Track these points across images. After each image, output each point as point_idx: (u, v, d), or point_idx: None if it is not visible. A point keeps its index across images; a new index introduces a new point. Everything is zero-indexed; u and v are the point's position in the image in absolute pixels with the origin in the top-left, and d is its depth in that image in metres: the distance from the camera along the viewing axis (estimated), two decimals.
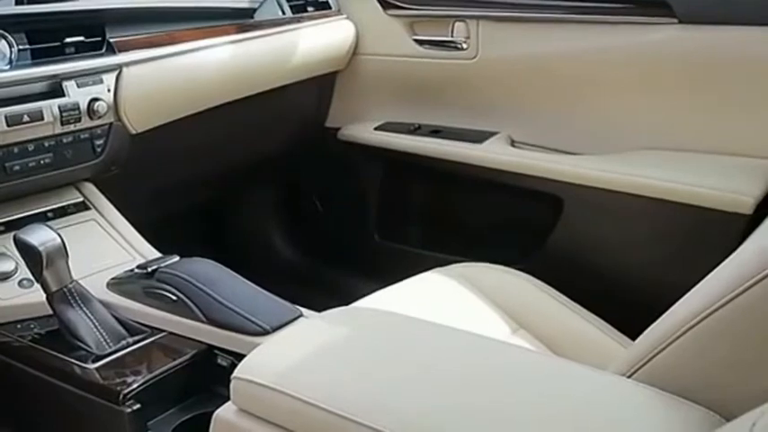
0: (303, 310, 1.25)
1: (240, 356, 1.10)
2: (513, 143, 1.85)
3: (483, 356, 0.98)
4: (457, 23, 1.87)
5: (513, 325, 1.35)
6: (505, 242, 1.85)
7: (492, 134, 1.86)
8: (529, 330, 1.35)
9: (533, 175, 1.74)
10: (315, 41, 1.90)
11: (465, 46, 1.87)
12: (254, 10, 1.80)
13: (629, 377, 0.92)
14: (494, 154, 1.80)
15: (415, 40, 1.94)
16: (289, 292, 1.31)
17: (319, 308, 1.22)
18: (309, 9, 1.94)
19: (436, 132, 1.92)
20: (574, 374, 0.95)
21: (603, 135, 1.74)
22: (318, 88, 2.03)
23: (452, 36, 1.89)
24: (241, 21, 1.77)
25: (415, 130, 1.94)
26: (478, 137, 1.85)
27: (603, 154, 1.71)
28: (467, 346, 1.01)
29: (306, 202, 2.25)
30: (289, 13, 1.88)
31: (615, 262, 1.66)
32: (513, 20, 1.81)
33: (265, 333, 1.17)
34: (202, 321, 1.21)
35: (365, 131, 2.00)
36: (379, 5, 1.95)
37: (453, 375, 0.92)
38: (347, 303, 1.21)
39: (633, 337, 1.07)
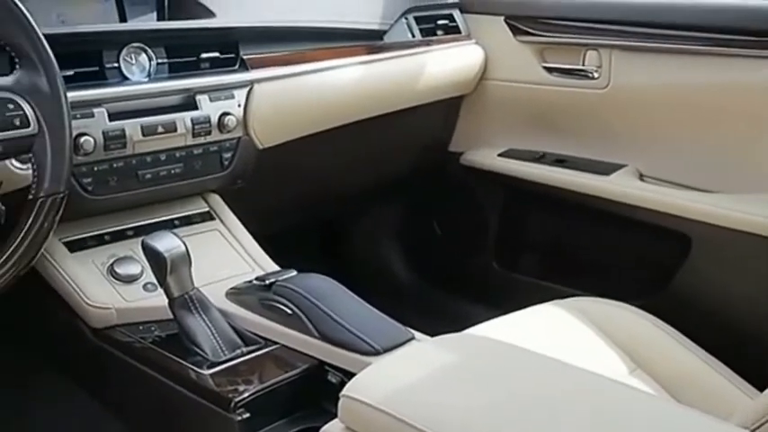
0: (415, 333, 1.24)
1: (350, 374, 1.10)
2: (641, 177, 1.79)
3: (597, 395, 0.95)
4: (589, 52, 1.84)
5: (631, 365, 1.31)
6: (627, 278, 1.80)
7: (619, 166, 1.81)
8: (647, 372, 1.30)
9: (661, 211, 1.68)
10: (443, 65, 1.90)
11: (596, 75, 1.84)
12: (385, 32, 1.81)
13: (753, 431, 0.87)
14: (621, 187, 1.75)
15: (545, 68, 1.91)
16: (401, 313, 1.31)
17: (431, 332, 1.21)
18: (439, 33, 1.94)
19: (561, 162, 1.88)
20: (694, 423, 0.91)
21: (739, 173, 1.66)
22: (444, 112, 2.02)
23: (583, 64, 1.85)
24: (371, 42, 1.79)
25: (540, 158, 1.91)
26: (605, 168, 1.81)
27: (739, 193, 1.64)
28: (581, 384, 0.97)
29: (424, 224, 2.24)
30: (418, 36, 1.89)
31: (745, 308, 1.59)
32: (648, 50, 1.76)
33: (376, 353, 1.17)
34: (315, 337, 1.22)
35: (488, 157, 1.98)
36: (509, 31, 1.94)
37: (564, 413, 0.89)
38: (460, 329, 1.19)
39: (761, 387, 1.01)
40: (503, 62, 1.97)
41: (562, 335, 1.36)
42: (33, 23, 1.08)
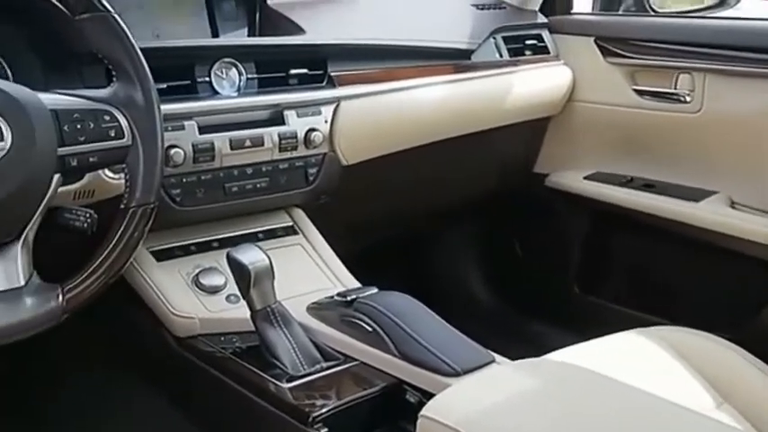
0: (495, 355, 1.23)
1: (429, 395, 1.10)
2: (732, 204, 1.74)
3: (682, 429, 0.92)
4: (681, 75, 1.80)
5: (718, 398, 1.26)
6: (714, 308, 1.75)
7: (710, 193, 1.76)
8: (735, 407, 1.25)
9: (753, 240, 1.63)
10: (530, 85, 1.89)
11: (688, 99, 1.79)
12: (472, 51, 1.80)
13: None
14: (711, 214, 1.71)
15: (635, 90, 1.87)
16: (481, 334, 1.29)
17: (510, 354, 1.19)
18: (527, 53, 1.93)
19: (649, 186, 1.84)
20: None
21: None
22: (530, 133, 2.01)
23: (675, 88, 1.81)
24: (458, 61, 1.78)
25: (628, 182, 1.88)
26: (695, 195, 1.76)
27: None
28: (664, 416, 0.95)
29: (506, 246, 2.22)
30: (506, 56, 1.88)
31: None
32: (743, 74, 1.71)
33: (456, 375, 1.15)
34: (395, 355, 1.21)
35: (574, 180, 1.95)
36: (599, 53, 1.91)
37: None
38: (539, 353, 1.17)
39: None
40: (592, 84, 1.94)
41: (645, 364, 1.32)
42: (132, 39, 1.11)
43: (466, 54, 1.79)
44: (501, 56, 1.88)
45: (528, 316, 2.13)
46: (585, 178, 1.94)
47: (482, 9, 1.92)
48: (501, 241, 2.24)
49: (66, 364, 1.72)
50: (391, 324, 1.23)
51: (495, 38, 1.88)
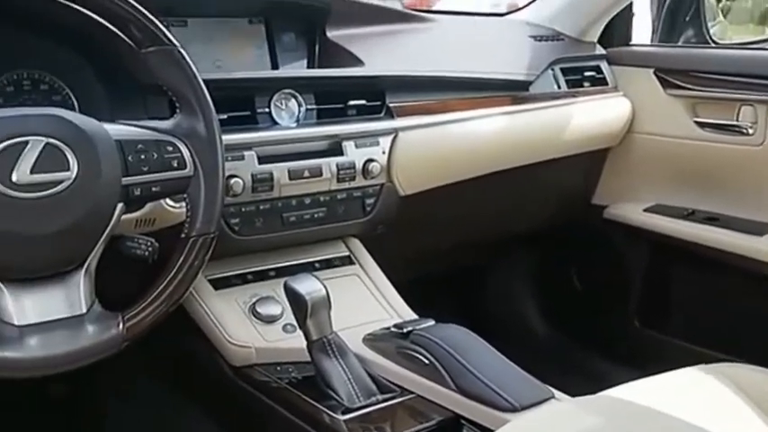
0: (554, 391, 1.21)
1: (486, 430, 1.08)
2: None
3: None
4: (744, 107, 1.77)
5: None
6: None
7: None
8: None
9: None
10: (589, 117, 1.88)
11: (751, 131, 1.76)
12: (530, 82, 1.80)
13: None
14: None
15: (696, 122, 1.85)
16: (538, 368, 1.27)
17: (568, 388, 1.18)
18: (585, 84, 1.91)
19: (711, 220, 1.81)
20: None
21: None
22: (588, 164, 1.99)
23: (738, 120, 1.78)
24: (516, 92, 1.78)
25: (689, 215, 1.85)
26: (759, 228, 1.73)
27: None
28: None
29: (563, 278, 2.20)
30: (564, 88, 1.88)
31: None
32: None
33: (515, 410, 1.13)
34: (452, 389, 1.20)
35: (634, 212, 1.93)
36: (659, 84, 1.89)
37: None
38: (598, 388, 1.15)
39: None
40: (651, 115, 1.92)
41: (707, 402, 1.29)
42: (195, 71, 1.13)
43: (524, 85, 1.79)
44: (559, 87, 1.87)
45: (586, 350, 2.10)
46: (645, 210, 1.91)
47: (540, 40, 1.92)
48: (558, 273, 2.21)
49: (121, 388, 1.74)
50: (448, 357, 1.22)
51: (553, 69, 1.87)
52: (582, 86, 1.91)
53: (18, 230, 0.98)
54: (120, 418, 1.77)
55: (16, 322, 1.00)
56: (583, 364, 2.05)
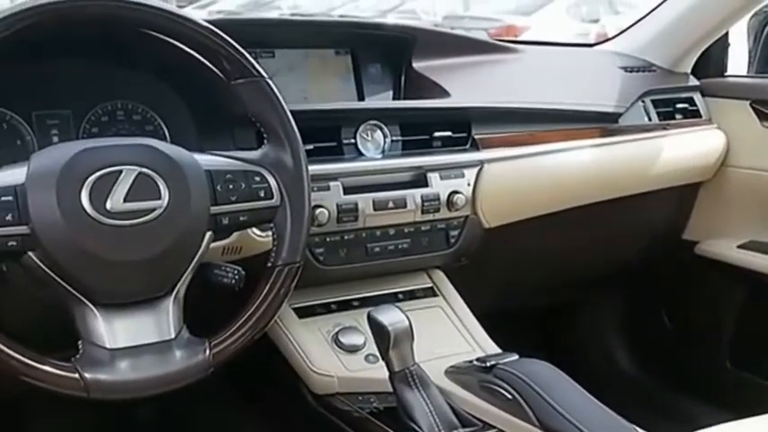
0: (640, 431, 1.17)
1: None
2: None
3: None
4: None
5: None
6: None
7: None
8: None
9: None
10: (681, 150, 1.83)
11: None
12: (620, 114, 1.77)
13: None
14: None
15: None
16: (624, 407, 1.24)
17: (655, 429, 1.15)
18: (678, 116, 1.87)
19: None
20: None
21: None
22: (679, 198, 1.94)
23: None
24: (605, 125, 1.75)
25: None
26: None
27: None
28: None
29: (652, 315, 2.14)
30: (655, 120, 1.83)
31: None
32: None
33: None
34: (535, 425, 1.18)
35: (727, 248, 1.87)
36: (755, 116, 1.83)
37: None
38: (686, 430, 1.11)
39: None
40: (747, 148, 1.86)
41: None
42: (283, 103, 1.15)
43: (613, 117, 1.76)
44: (650, 119, 1.83)
45: (674, 390, 2.04)
46: (739, 247, 1.85)
47: (630, 71, 1.89)
48: (647, 310, 2.16)
49: (203, 412, 1.76)
50: (532, 393, 1.20)
51: (643, 101, 1.83)
52: (674, 119, 1.86)
53: (111, 257, 1.01)
54: None
55: (108, 345, 1.02)
56: (670, 404, 1.99)
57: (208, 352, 1.06)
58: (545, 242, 1.76)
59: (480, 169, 1.53)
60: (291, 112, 1.16)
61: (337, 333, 1.42)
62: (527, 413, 1.19)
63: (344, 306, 1.48)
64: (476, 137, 1.55)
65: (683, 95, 1.90)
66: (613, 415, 1.19)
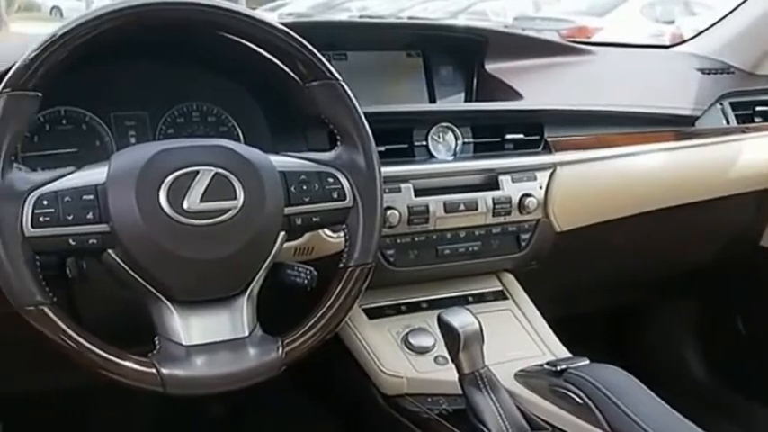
0: None
1: None
2: None
3: None
4: None
5: None
6: None
7: None
8: None
9: None
10: (760, 154, 1.79)
11: None
12: (697, 118, 1.73)
13: None
14: None
15: None
16: (696, 413, 1.21)
17: None
18: (757, 119, 1.83)
19: None
20: None
21: None
22: (757, 203, 1.89)
23: None
24: (680, 128, 1.72)
25: None
26: None
27: None
28: None
29: (725, 321, 2.10)
30: (734, 123, 1.80)
31: None
32: None
33: None
34: (606, 431, 1.17)
35: None
36: None
37: None
38: None
39: None
40: None
41: None
42: (357, 105, 1.16)
43: (689, 120, 1.73)
44: (728, 122, 1.80)
45: (748, 397, 1.99)
46: None
47: (707, 73, 1.85)
48: (721, 317, 2.11)
49: (274, 410, 1.78)
50: (603, 398, 1.19)
51: (722, 104, 1.80)
52: (753, 122, 1.82)
53: (188, 255, 1.03)
54: None
55: (184, 342, 1.04)
56: (744, 412, 1.94)
57: (281, 350, 1.08)
58: (616, 245, 1.74)
59: (553, 172, 1.52)
60: (364, 113, 1.17)
61: (407, 334, 1.43)
62: (598, 418, 1.18)
63: (414, 307, 1.49)
64: (548, 139, 1.54)
65: (764, 98, 1.86)
66: (687, 422, 1.17)
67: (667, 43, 2.18)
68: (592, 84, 1.74)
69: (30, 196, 1.00)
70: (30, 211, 0.99)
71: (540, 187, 1.50)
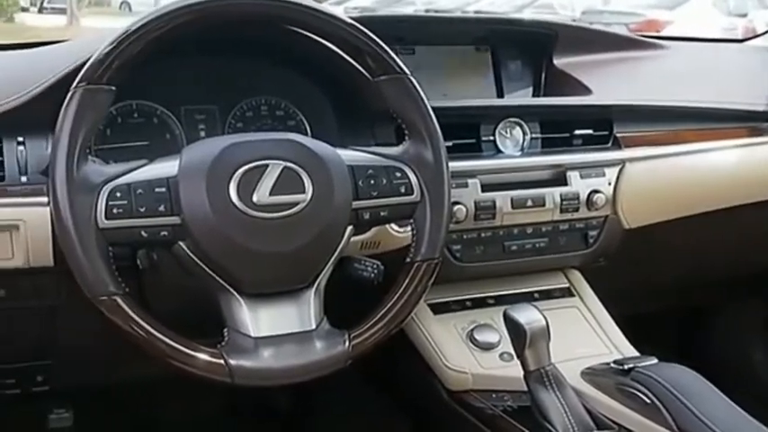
0: None
1: None
2: None
3: None
4: None
5: None
6: None
7: None
8: None
9: None
10: None
11: None
12: None
13: None
14: None
15: None
16: (764, 414, 1.19)
17: None
18: None
19: None
20: None
21: None
22: None
23: None
24: (754, 124, 1.68)
25: None
26: None
27: None
28: None
29: None
30: None
31: None
32: None
33: None
34: (673, 431, 1.15)
35: None
36: None
37: None
38: None
39: None
40: None
41: None
42: (425, 100, 1.16)
43: (764, 116, 1.68)
44: None
45: None
46: None
47: None
48: None
49: (337, 402, 1.80)
50: (672, 398, 1.17)
51: None
52: None
53: (257, 248, 1.04)
54: (336, 430, 1.83)
55: (252, 334, 1.06)
56: None
57: (347, 344, 1.08)
58: (685, 244, 1.71)
59: (622, 168, 1.50)
60: (432, 108, 1.17)
61: (472, 330, 1.43)
62: (665, 418, 1.16)
63: (480, 303, 1.48)
64: (618, 135, 1.52)
65: None
66: (756, 424, 1.15)
67: (740, 37, 2.13)
68: (663, 79, 1.71)
69: (104, 188, 1.02)
70: (104, 203, 1.01)
71: (609, 183, 1.48)
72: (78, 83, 1.03)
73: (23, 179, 1.15)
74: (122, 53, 1.03)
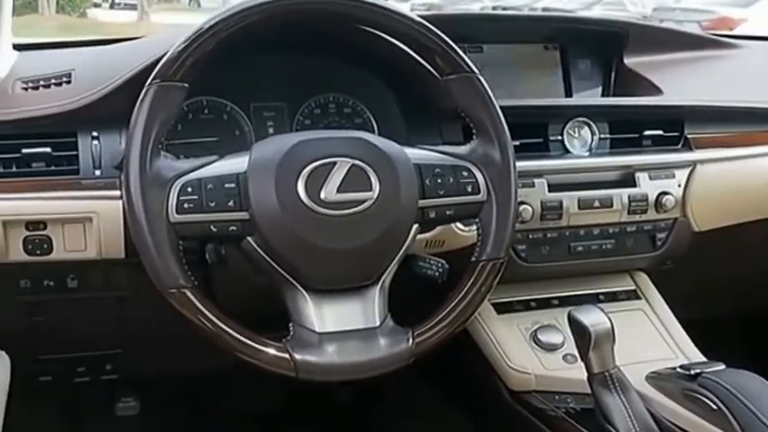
0: None
1: None
2: None
3: None
4: None
5: None
6: None
7: None
8: None
9: None
10: None
11: None
12: None
13: None
14: None
15: None
16: None
17: None
18: None
19: None
20: None
21: None
22: None
23: None
24: None
25: None
26: None
27: None
28: None
29: None
30: None
31: None
32: None
33: None
34: None
35: None
36: None
37: None
38: None
39: None
40: None
41: None
42: (493, 99, 1.15)
43: None
44: None
45: None
46: None
47: None
48: None
49: (400, 399, 1.81)
50: (740, 405, 1.15)
51: None
52: None
53: (323, 245, 1.05)
54: (397, 427, 1.84)
55: (317, 329, 1.07)
56: None
57: (411, 341, 1.08)
58: (756, 248, 1.67)
59: (692, 170, 1.47)
60: (500, 107, 1.16)
61: (536, 331, 1.42)
62: (732, 425, 1.14)
63: (544, 304, 1.48)
64: (689, 136, 1.49)
65: None
66: None
67: None
68: (736, 79, 1.68)
69: (175, 183, 1.04)
70: (175, 198, 1.03)
71: (679, 185, 1.46)
72: (152, 80, 1.05)
73: (97, 173, 1.19)
74: (195, 51, 1.05)
